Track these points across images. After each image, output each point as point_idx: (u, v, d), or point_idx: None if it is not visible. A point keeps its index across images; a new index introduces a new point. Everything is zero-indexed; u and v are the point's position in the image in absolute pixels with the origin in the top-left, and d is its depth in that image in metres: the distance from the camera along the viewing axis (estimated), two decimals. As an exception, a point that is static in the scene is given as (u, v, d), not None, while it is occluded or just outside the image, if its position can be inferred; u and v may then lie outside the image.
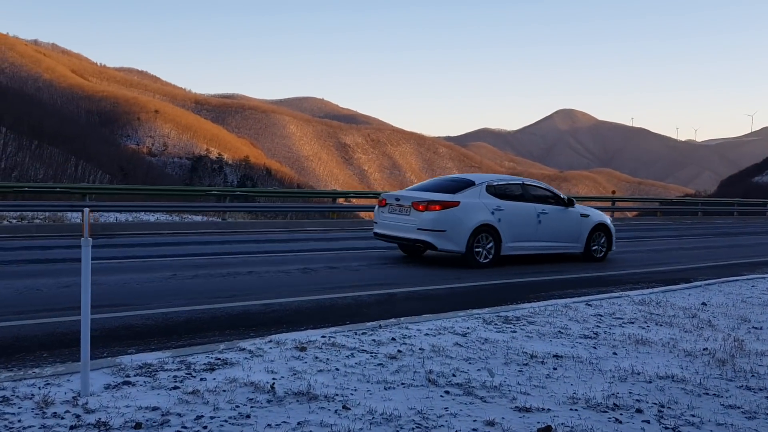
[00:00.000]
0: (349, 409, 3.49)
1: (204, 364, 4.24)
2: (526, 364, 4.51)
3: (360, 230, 17.21)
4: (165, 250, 11.46)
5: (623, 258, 12.29)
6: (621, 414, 3.59)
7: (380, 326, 5.54)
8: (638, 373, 4.39)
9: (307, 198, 31.09)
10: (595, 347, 5.08)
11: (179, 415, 3.31)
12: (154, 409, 3.38)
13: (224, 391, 3.71)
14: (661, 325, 5.97)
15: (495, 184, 10.66)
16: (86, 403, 3.43)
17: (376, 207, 11.21)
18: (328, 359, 4.45)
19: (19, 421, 3.17)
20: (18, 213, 16.17)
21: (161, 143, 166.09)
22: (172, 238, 13.75)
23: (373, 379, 4.05)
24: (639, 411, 3.65)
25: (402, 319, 5.90)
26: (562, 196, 11.50)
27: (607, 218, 12.05)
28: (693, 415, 3.62)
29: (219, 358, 4.38)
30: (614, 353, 4.92)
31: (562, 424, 3.38)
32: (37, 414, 3.27)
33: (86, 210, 3.63)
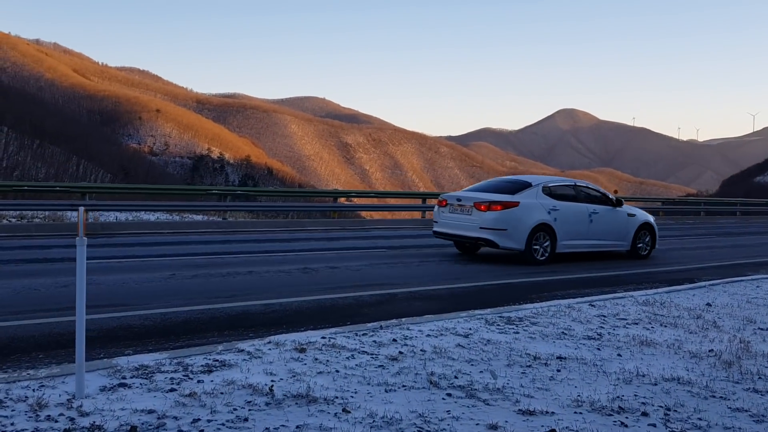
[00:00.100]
0: (349, 412, 3.42)
1: (202, 365, 4.17)
2: (529, 366, 4.44)
3: (361, 230, 17.15)
4: (165, 250, 11.40)
5: (625, 257, 12.20)
6: (626, 417, 3.52)
7: (381, 327, 5.47)
8: (643, 375, 4.32)
9: (308, 197, 31.05)
10: (599, 348, 5.01)
11: (175, 418, 3.24)
12: (150, 412, 3.31)
13: (222, 393, 3.64)
14: (665, 326, 5.89)
15: (550, 185, 11.31)
16: (81, 406, 3.36)
17: (436, 207, 11.75)
18: (328, 361, 4.38)
19: (12, 424, 3.10)
20: (18, 212, 16.13)
21: (163, 143, 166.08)
22: (172, 238, 13.69)
23: (374, 381, 3.98)
24: (645, 414, 3.58)
25: (403, 319, 5.83)
26: (610, 196, 12.11)
27: (651, 218, 12.63)
28: (700, 419, 3.55)
29: (217, 360, 4.31)
30: (619, 355, 4.85)
31: (566, 428, 3.31)
32: (30, 417, 3.21)
33: (81, 209, 3.57)
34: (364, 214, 27.38)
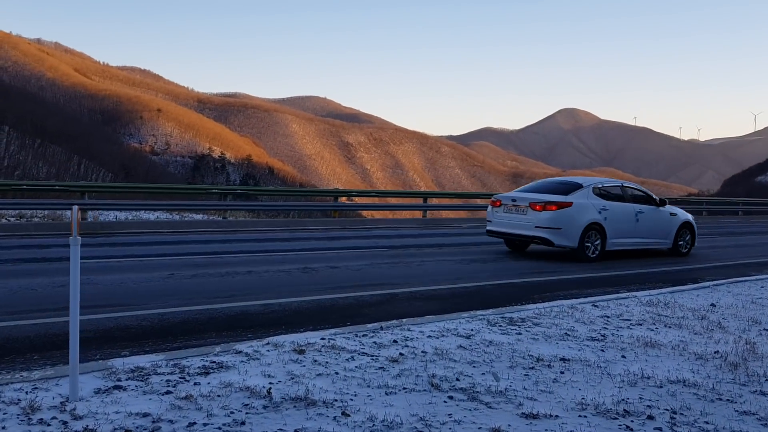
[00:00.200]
0: (349, 415, 3.35)
1: (198, 367, 4.09)
2: (532, 368, 4.36)
3: (362, 229, 17.08)
4: (164, 249, 11.33)
5: (628, 257, 12.12)
6: (632, 421, 3.44)
7: (381, 328, 5.39)
8: (648, 378, 4.24)
9: (309, 196, 30.96)
10: (603, 350, 4.93)
11: (171, 421, 3.17)
12: (145, 415, 3.24)
13: (219, 396, 3.56)
14: (670, 327, 5.81)
15: (600, 186, 11.87)
16: (74, 409, 3.29)
17: (489, 207, 12.26)
18: (327, 362, 4.31)
19: (3, 428, 3.03)
20: (17, 211, 16.06)
21: (164, 142, 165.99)
22: (172, 237, 13.61)
23: (374, 383, 3.91)
24: (650, 418, 3.51)
25: (404, 320, 5.75)
26: (654, 196, 12.60)
27: (691, 217, 13.10)
28: (707, 422, 3.48)
29: (214, 362, 4.23)
30: (623, 356, 4.77)
31: (571, 432, 3.24)
32: (22, 420, 3.14)
33: (75, 207, 3.49)
34: (365, 213, 27.30)
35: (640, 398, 3.82)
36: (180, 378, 3.86)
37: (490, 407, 3.57)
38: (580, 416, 3.48)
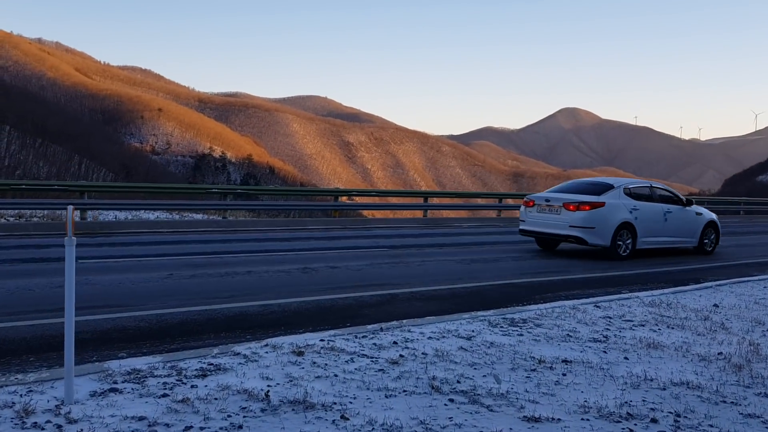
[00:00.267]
0: (348, 419, 3.29)
1: (196, 369, 4.04)
2: (534, 370, 4.31)
3: (363, 229, 17.03)
4: (163, 249, 11.28)
5: (629, 257, 12.06)
6: (635, 424, 3.39)
7: (381, 329, 5.34)
8: (651, 380, 4.19)
9: (309, 196, 30.90)
10: (605, 351, 4.87)
11: (167, 425, 3.12)
12: (141, 419, 3.19)
13: (216, 399, 3.51)
14: (672, 328, 5.76)
15: (630, 186, 12.19)
16: (69, 413, 3.24)
17: (522, 207, 12.57)
18: (326, 364, 4.25)
19: (-4, 432, 2.98)
20: (16, 211, 16.01)
21: (164, 141, 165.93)
22: (172, 237, 13.56)
23: (374, 386, 3.85)
24: (654, 421, 3.45)
25: (404, 321, 5.70)
26: (681, 196, 12.99)
27: (715, 216, 13.55)
28: (711, 425, 3.42)
29: (212, 364, 4.18)
30: (625, 358, 4.72)
31: (573, 436, 3.19)
32: (16, 424, 3.09)
33: (70, 207, 3.44)
34: (365, 213, 27.24)
35: (644, 401, 3.77)
36: (177, 380, 3.81)
37: (491, 410, 3.52)
38: (582, 419, 3.42)
